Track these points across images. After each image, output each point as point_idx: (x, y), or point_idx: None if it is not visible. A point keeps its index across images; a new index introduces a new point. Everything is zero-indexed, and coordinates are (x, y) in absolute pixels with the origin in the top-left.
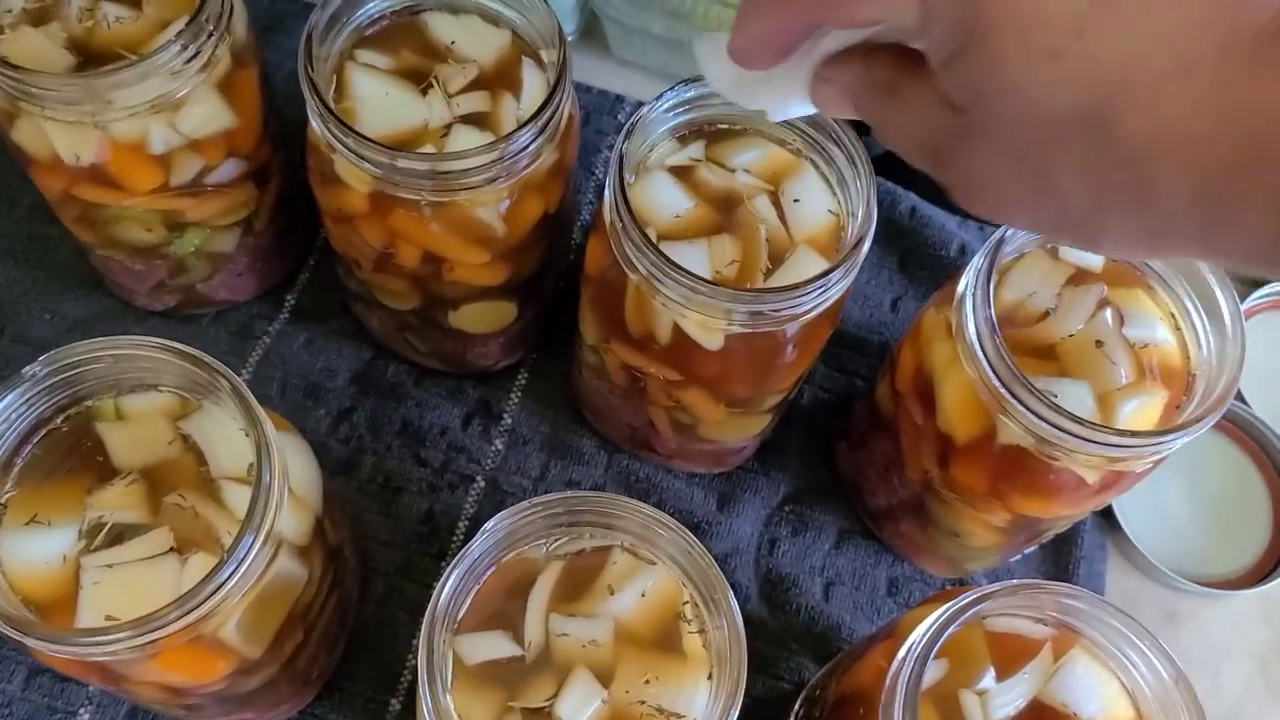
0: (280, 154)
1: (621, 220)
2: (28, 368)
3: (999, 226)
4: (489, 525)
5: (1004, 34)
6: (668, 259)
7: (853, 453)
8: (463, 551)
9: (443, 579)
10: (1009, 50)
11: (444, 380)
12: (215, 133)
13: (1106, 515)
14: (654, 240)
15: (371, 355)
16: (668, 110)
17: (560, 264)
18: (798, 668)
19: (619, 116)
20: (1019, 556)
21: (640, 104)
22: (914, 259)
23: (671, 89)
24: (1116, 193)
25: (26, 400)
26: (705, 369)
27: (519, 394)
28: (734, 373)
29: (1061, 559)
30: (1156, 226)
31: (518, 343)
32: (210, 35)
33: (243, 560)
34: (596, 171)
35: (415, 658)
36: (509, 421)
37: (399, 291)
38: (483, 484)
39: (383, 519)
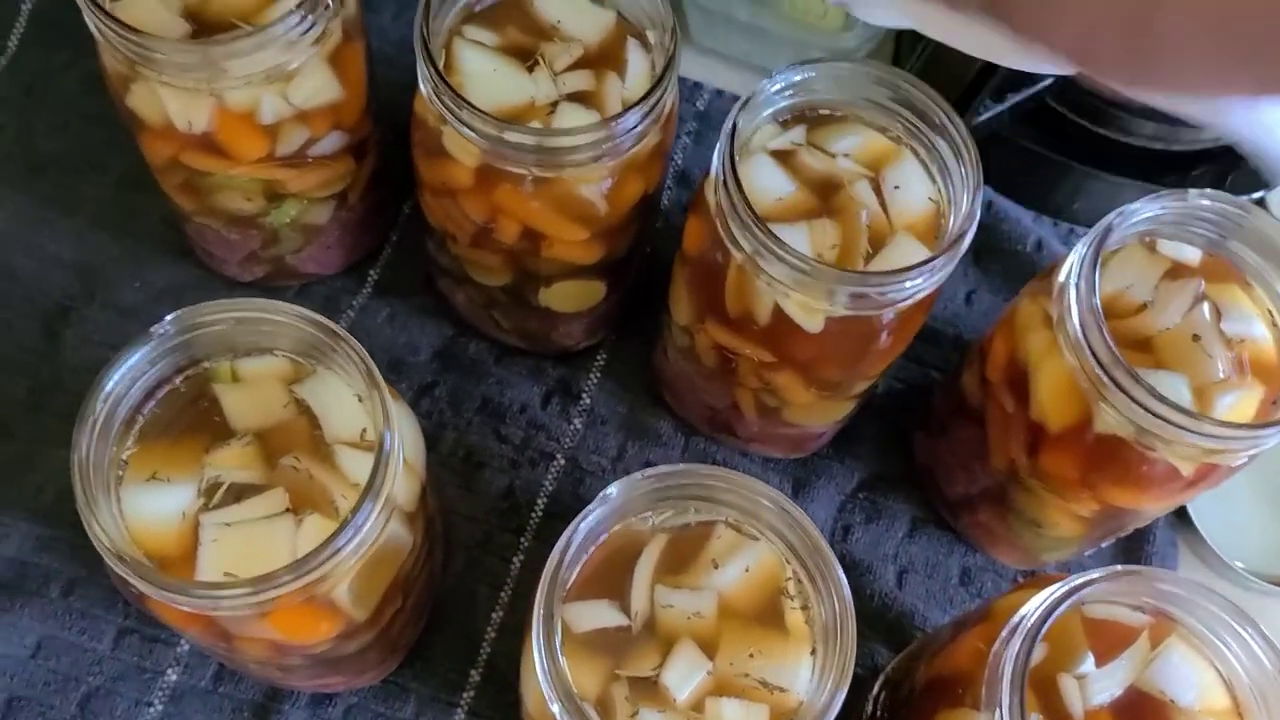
0: (377, 128)
1: (730, 198)
2: (156, 326)
3: (1074, 223)
4: (609, 492)
5: None
6: (776, 237)
7: (931, 441)
8: (581, 518)
9: (561, 544)
10: None
11: (524, 359)
12: (323, 105)
13: (1179, 512)
14: (761, 220)
15: (453, 332)
16: (777, 92)
17: (646, 245)
18: (870, 653)
19: (697, 104)
20: (1092, 550)
21: (719, 92)
22: (989, 253)
23: (782, 70)
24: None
25: (151, 359)
26: (802, 351)
27: (598, 374)
28: (829, 357)
29: (1133, 554)
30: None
31: (600, 323)
32: (326, 8)
33: (361, 525)
34: (675, 157)
35: (495, 630)
36: (587, 401)
37: (492, 267)
38: (562, 462)
39: (464, 493)
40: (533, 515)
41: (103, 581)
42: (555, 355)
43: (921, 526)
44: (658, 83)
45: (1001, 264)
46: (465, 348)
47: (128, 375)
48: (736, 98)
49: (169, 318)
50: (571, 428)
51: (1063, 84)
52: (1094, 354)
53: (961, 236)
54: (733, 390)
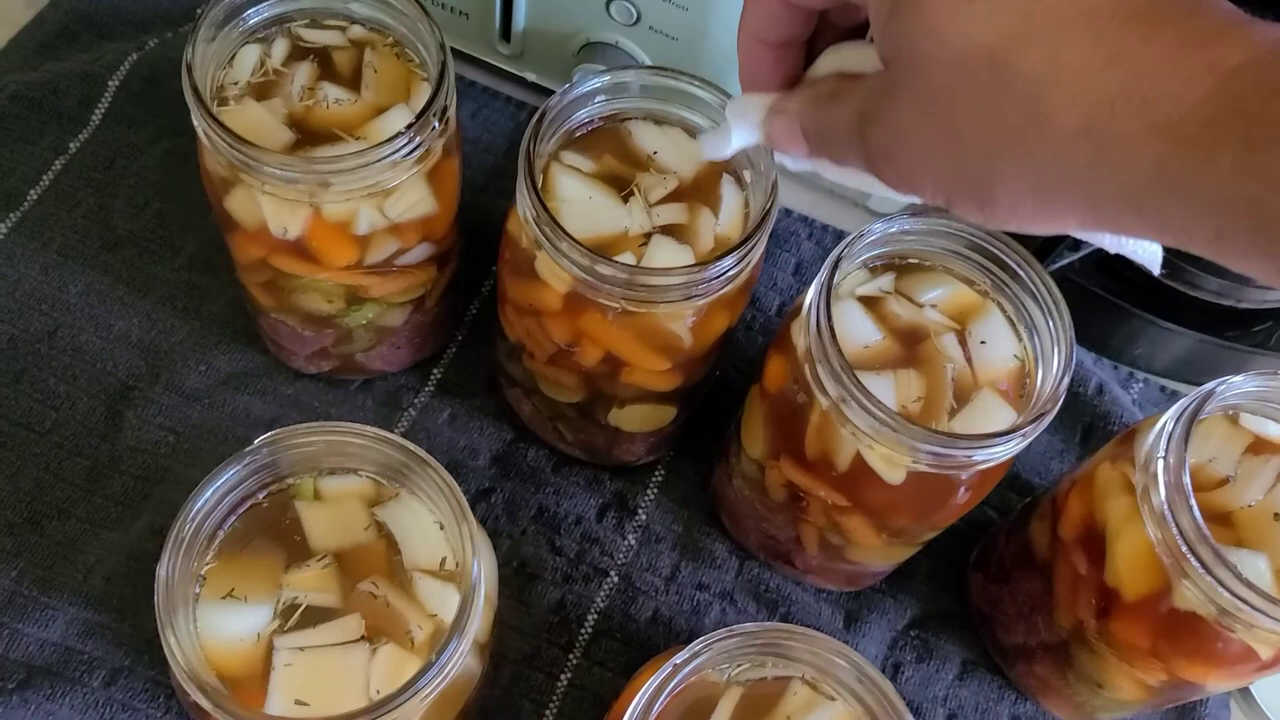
0: (460, 238)
1: (823, 345)
2: (250, 448)
3: (1134, 367)
4: (696, 647)
5: None
6: (865, 390)
7: (990, 586)
8: (664, 671)
9: (639, 697)
10: (934, 2)
11: (582, 469)
12: (416, 218)
13: None
14: (851, 370)
15: (512, 437)
16: (872, 241)
17: (718, 370)
18: None
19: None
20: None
21: (787, 211)
22: None
23: (880, 221)
24: (1010, 132)
25: (241, 476)
26: (878, 500)
27: (655, 490)
28: (905, 507)
29: (1186, 713)
30: (1045, 169)
31: (664, 442)
32: (434, 129)
33: (445, 666)
34: None
35: None
36: (643, 517)
37: (566, 385)
38: (615, 579)
39: (515, 605)
40: (582, 632)
41: (145, 673)
42: (612, 468)
43: (973, 670)
44: (755, 229)
45: (1063, 406)
46: (524, 454)
47: (217, 493)
48: (804, 217)
49: (262, 439)
50: (626, 543)
51: None
52: (1179, 530)
53: (1055, 402)
54: (797, 525)
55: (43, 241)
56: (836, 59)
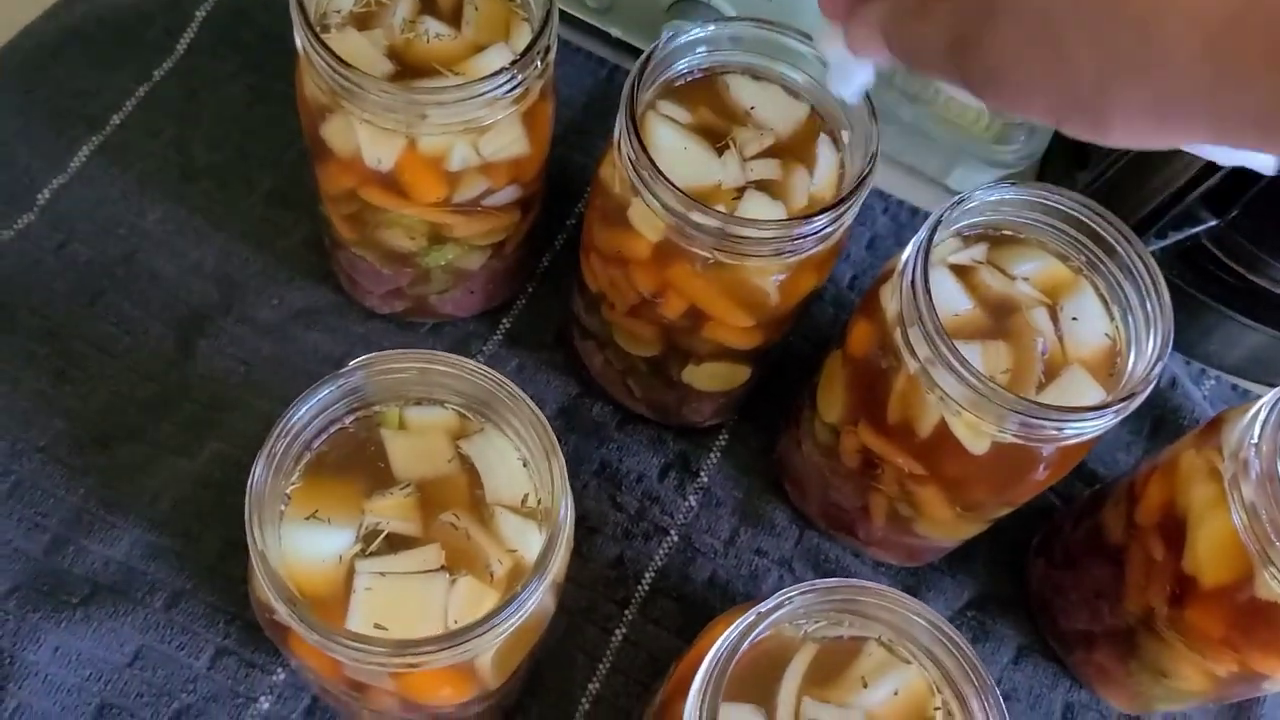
0: (545, 185)
1: (917, 307)
2: (346, 369)
3: (1206, 363)
4: (781, 597)
5: None
6: (959, 353)
7: (1053, 571)
8: (748, 618)
9: (723, 641)
10: None
11: (646, 427)
12: (507, 159)
13: None
14: (946, 335)
15: (578, 391)
16: (970, 209)
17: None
18: None
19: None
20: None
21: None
22: None
23: (979, 189)
24: (1124, 56)
25: (334, 399)
26: (956, 470)
27: (718, 454)
28: (983, 479)
29: (1243, 711)
30: (1164, 90)
31: (731, 405)
32: (536, 68)
33: (525, 602)
34: None
35: (589, 701)
36: (705, 480)
37: (644, 338)
38: (675, 538)
39: (574, 557)
40: (639, 589)
41: (206, 598)
42: (677, 428)
43: (1027, 655)
44: (853, 191)
45: None
46: (590, 409)
47: (310, 411)
48: (880, 192)
49: (357, 362)
50: (686, 504)
51: (1221, 230)
52: (1268, 519)
53: (1148, 384)
54: (867, 494)
55: (123, 167)
56: None
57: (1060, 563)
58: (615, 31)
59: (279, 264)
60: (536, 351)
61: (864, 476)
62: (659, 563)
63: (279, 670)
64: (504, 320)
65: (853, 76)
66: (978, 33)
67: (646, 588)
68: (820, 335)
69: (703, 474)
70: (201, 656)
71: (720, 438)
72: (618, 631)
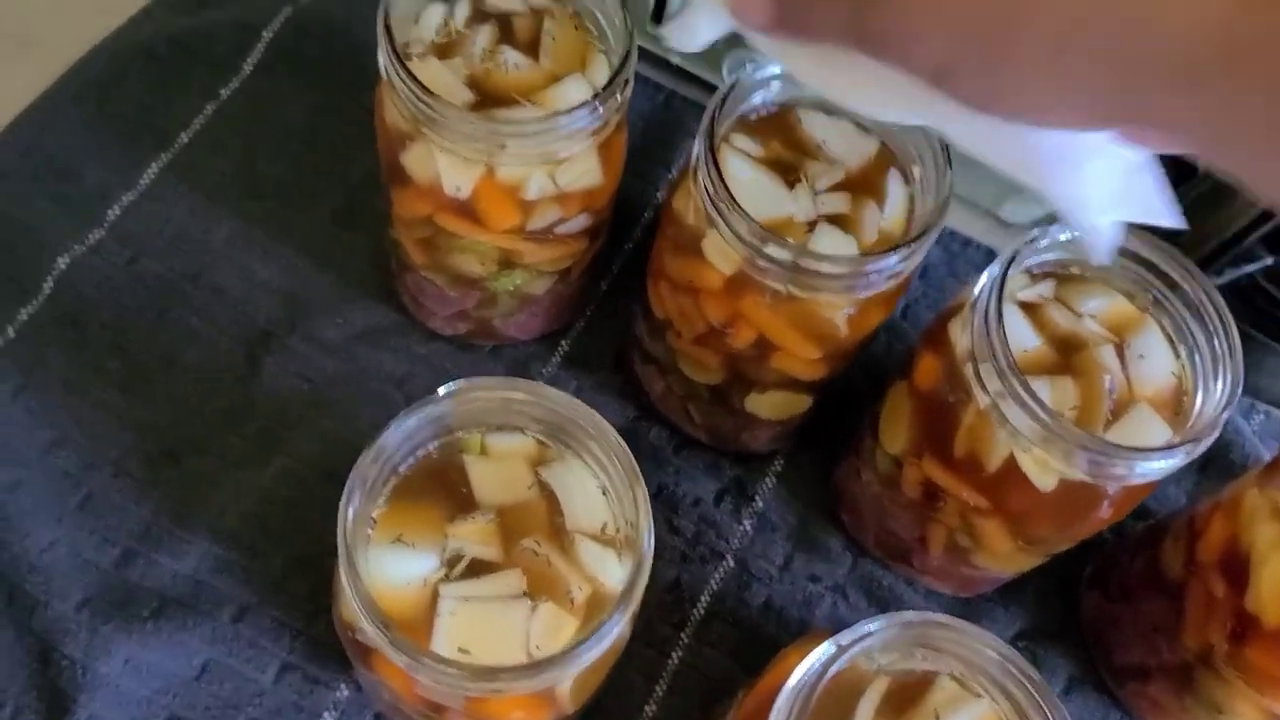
0: (612, 213)
1: (990, 344)
2: (435, 397)
3: (1255, 398)
4: (861, 630)
5: None
6: (1031, 391)
7: (1108, 604)
8: (822, 655)
9: (804, 673)
10: None
11: (703, 452)
12: (581, 189)
13: None
14: (1019, 371)
15: (636, 414)
16: (1043, 248)
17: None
18: None
19: None
20: None
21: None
22: None
23: (1055, 227)
24: None
25: (421, 425)
26: (1021, 505)
27: (773, 479)
28: (1048, 515)
29: None
30: (1084, 23)
31: (789, 433)
32: (616, 101)
33: (610, 633)
34: None
35: None
36: (760, 505)
37: (709, 365)
38: (731, 563)
39: None
40: (695, 612)
41: (271, 612)
42: (734, 454)
43: (1079, 686)
44: (925, 232)
45: None
46: (647, 432)
47: (401, 437)
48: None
49: (446, 390)
50: (741, 529)
51: (1277, 267)
52: None
53: (1216, 426)
54: (926, 524)
55: (191, 184)
56: None
57: (1116, 596)
58: (675, 59)
59: (343, 282)
60: (595, 374)
61: (925, 507)
62: (715, 587)
63: (343, 687)
64: (563, 342)
65: (702, 28)
66: None
67: (702, 611)
68: (874, 363)
69: (758, 499)
70: (267, 671)
71: (775, 463)
72: (674, 655)
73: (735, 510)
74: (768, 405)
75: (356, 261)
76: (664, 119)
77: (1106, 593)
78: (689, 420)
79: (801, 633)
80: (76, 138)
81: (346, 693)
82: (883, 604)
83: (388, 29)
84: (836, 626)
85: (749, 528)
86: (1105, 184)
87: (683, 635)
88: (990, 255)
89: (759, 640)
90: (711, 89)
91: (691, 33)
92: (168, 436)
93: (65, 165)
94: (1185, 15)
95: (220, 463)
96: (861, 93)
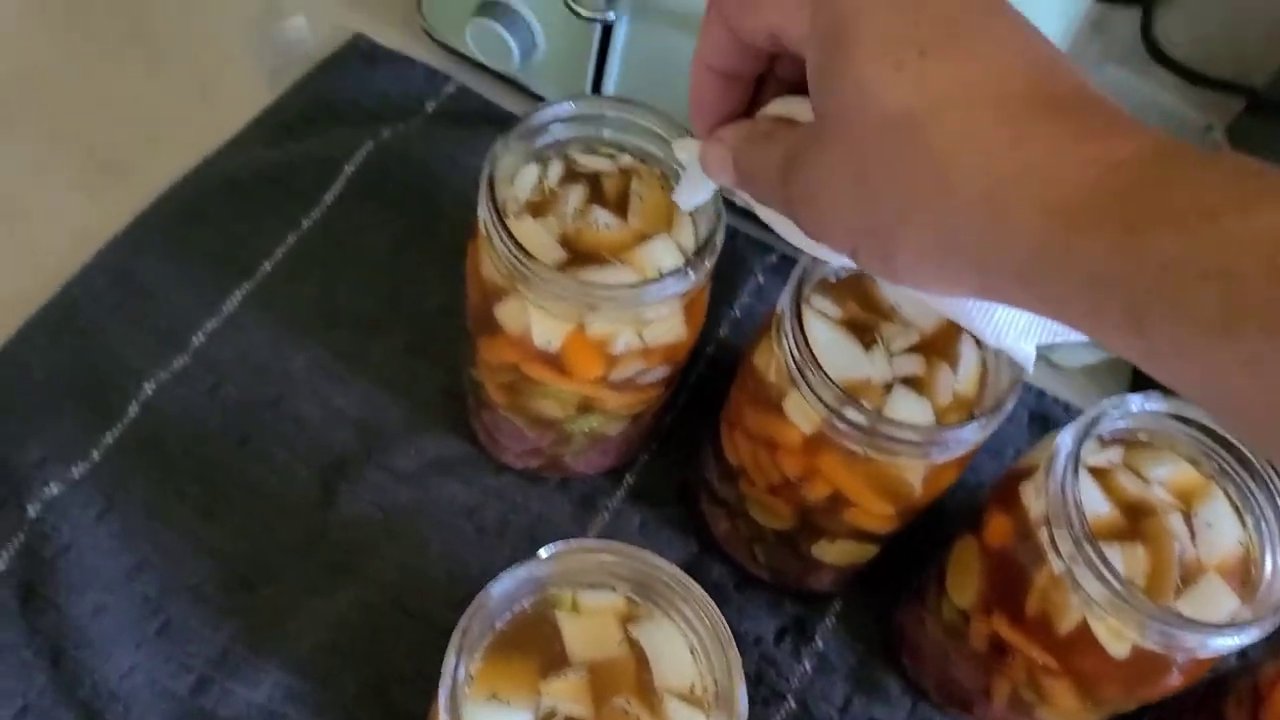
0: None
1: (1067, 512)
2: (541, 557)
3: None
4: None
5: (863, 49)
6: (1107, 561)
7: None
8: None
9: None
10: (865, 58)
11: (764, 591)
12: (666, 344)
13: None
14: (1094, 540)
15: (698, 550)
16: (1117, 417)
17: None
18: None
19: None
20: None
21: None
22: None
23: (1133, 396)
24: (919, 189)
25: (522, 581)
26: (1091, 668)
27: (833, 619)
28: (1118, 679)
29: None
30: (946, 231)
31: (853, 576)
32: (706, 268)
33: None
34: None
35: None
36: (820, 645)
37: (780, 514)
38: (792, 704)
39: None
40: None
41: None
42: (793, 593)
43: None
44: (1000, 405)
45: None
46: (709, 569)
47: (504, 594)
48: None
49: (551, 550)
50: (801, 669)
51: None
52: None
53: None
54: (991, 676)
55: (273, 312)
56: (782, 106)
57: None
58: (738, 200)
59: (416, 413)
60: (658, 508)
61: (991, 660)
62: None
63: None
64: (627, 476)
65: (697, 190)
66: (803, 153)
67: None
68: (938, 509)
69: (818, 639)
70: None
71: (835, 603)
72: None
73: (795, 650)
74: (835, 552)
75: (429, 391)
76: (727, 256)
77: None
78: (753, 560)
79: None
80: (163, 265)
81: None
82: None
83: (491, 188)
84: None
85: (809, 667)
86: (1017, 319)
87: None
88: (1042, 397)
89: None
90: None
91: (689, 194)
92: (245, 563)
93: (152, 291)
94: (1014, 229)
95: (295, 590)
96: (800, 239)
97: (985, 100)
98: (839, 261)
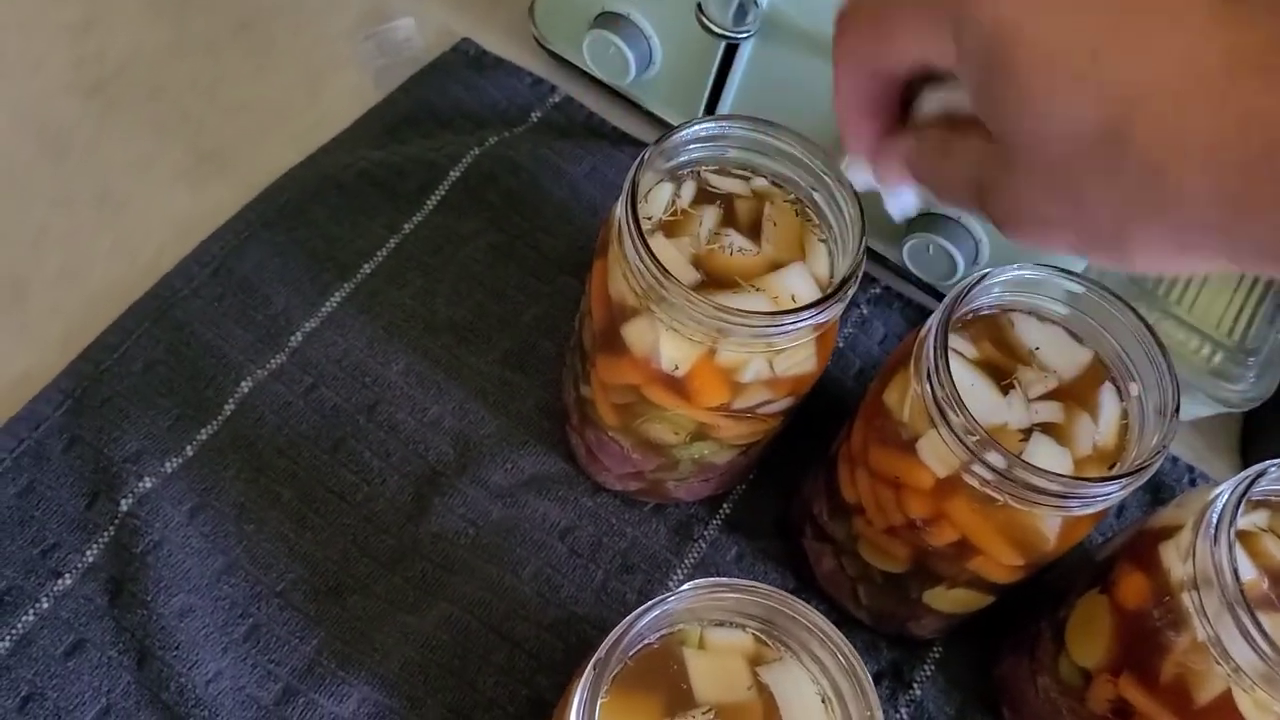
0: None
1: (1221, 578)
2: (675, 593)
3: None
4: None
5: (1030, 66)
6: (1263, 630)
7: None
8: None
9: None
10: (1035, 80)
11: (861, 632)
12: (794, 375)
13: None
14: (1250, 606)
15: (795, 586)
16: (1269, 480)
17: None
18: None
19: None
20: None
21: None
22: None
23: (1269, 469)
24: (1139, 201)
25: (656, 616)
26: None
27: (931, 666)
28: None
29: None
30: (1180, 227)
31: (957, 625)
32: (846, 296)
33: None
34: None
35: None
36: (917, 692)
37: (895, 555)
38: None
39: None
40: None
41: None
42: (892, 636)
43: None
44: (1147, 463)
45: None
46: None
47: (636, 629)
48: None
49: (688, 588)
50: (898, 716)
51: None
52: None
53: None
54: None
55: (371, 315)
56: (938, 99)
57: None
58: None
59: (512, 427)
60: (754, 540)
61: None
62: None
63: None
64: (724, 505)
65: (896, 201)
66: (996, 180)
67: None
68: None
69: (915, 686)
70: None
71: (935, 650)
72: None
73: (892, 696)
74: (949, 600)
75: (526, 407)
76: None
77: None
78: (854, 600)
79: None
80: (264, 261)
81: None
82: None
83: (633, 205)
84: None
85: (905, 715)
86: None
87: None
88: None
89: None
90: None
91: (897, 206)
92: (334, 572)
93: (252, 287)
94: (1263, 220)
95: (384, 603)
96: None
97: (1185, 89)
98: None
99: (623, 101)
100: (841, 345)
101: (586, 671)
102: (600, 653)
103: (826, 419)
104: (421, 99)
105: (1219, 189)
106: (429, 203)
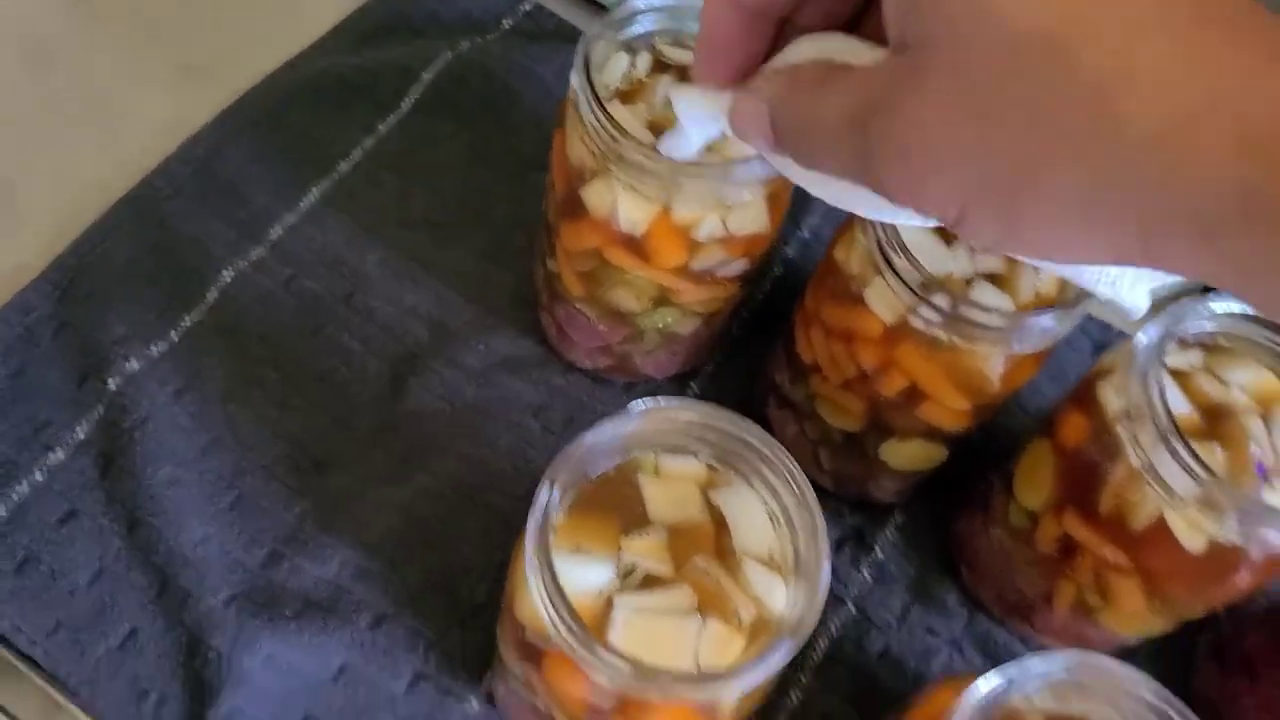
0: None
1: (1152, 406)
2: (628, 413)
3: None
4: (1028, 669)
5: None
6: (1194, 453)
7: (1228, 678)
8: (991, 694)
9: (968, 708)
10: None
11: (825, 499)
12: (746, 235)
13: None
14: (1180, 432)
15: None
16: (1198, 320)
17: None
18: None
19: None
20: None
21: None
22: None
23: (1214, 297)
24: (1063, 134)
25: (611, 438)
26: (1163, 565)
27: (893, 530)
28: (1189, 577)
29: None
30: (1099, 181)
31: (914, 485)
32: None
33: (776, 660)
34: None
35: None
36: (879, 555)
37: (850, 411)
38: (852, 610)
39: None
40: (814, 655)
41: (407, 622)
42: (855, 502)
43: None
44: (1083, 298)
45: None
46: None
47: (591, 445)
48: None
49: (642, 405)
50: (860, 577)
51: None
52: None
53: None
54: (1055, 581)
55: (349, 212)
56: (816, 46)
57: (1236, 669)
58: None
59: (487, 314)
60: None
61: (1058, 563)
62: (834, 631)
63: (473, 700)
64: (692, 383)
65: (689, 141)
66: (891, 97)
67: (821, 655)
68: (1002, 427)
69: (878, 549)
70: (400, 680)
71: (896, 515)
72: (792, 694)
73: (854, 559)
74: (904, 455)
75: (500, 295)
76: None
77: (1225, 666)
78: (816, 465)
79: (918, 683)
80: (243, 160)
81: (477, 706)
82: (997, 660)
83: (587, 69)
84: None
85: (868, 576)
86: (1127, 271)
87: (801, 676)
88: (1107, 329)
89: (876, 687)
90: None
91: (684, 143)
92: (316, 448)
93: (232, 185)
94: (1203, 173)
95: (364, 477)
96: (858, 199)
97: (1144, 16)
98: (916, 223)
99: (590, 6)
100: (808, 236)
101: (544, 484)
102: (554, 469)
103: (790, 307)
104: (396, 8)
105: (1159, 132)
106: (404, 105)
